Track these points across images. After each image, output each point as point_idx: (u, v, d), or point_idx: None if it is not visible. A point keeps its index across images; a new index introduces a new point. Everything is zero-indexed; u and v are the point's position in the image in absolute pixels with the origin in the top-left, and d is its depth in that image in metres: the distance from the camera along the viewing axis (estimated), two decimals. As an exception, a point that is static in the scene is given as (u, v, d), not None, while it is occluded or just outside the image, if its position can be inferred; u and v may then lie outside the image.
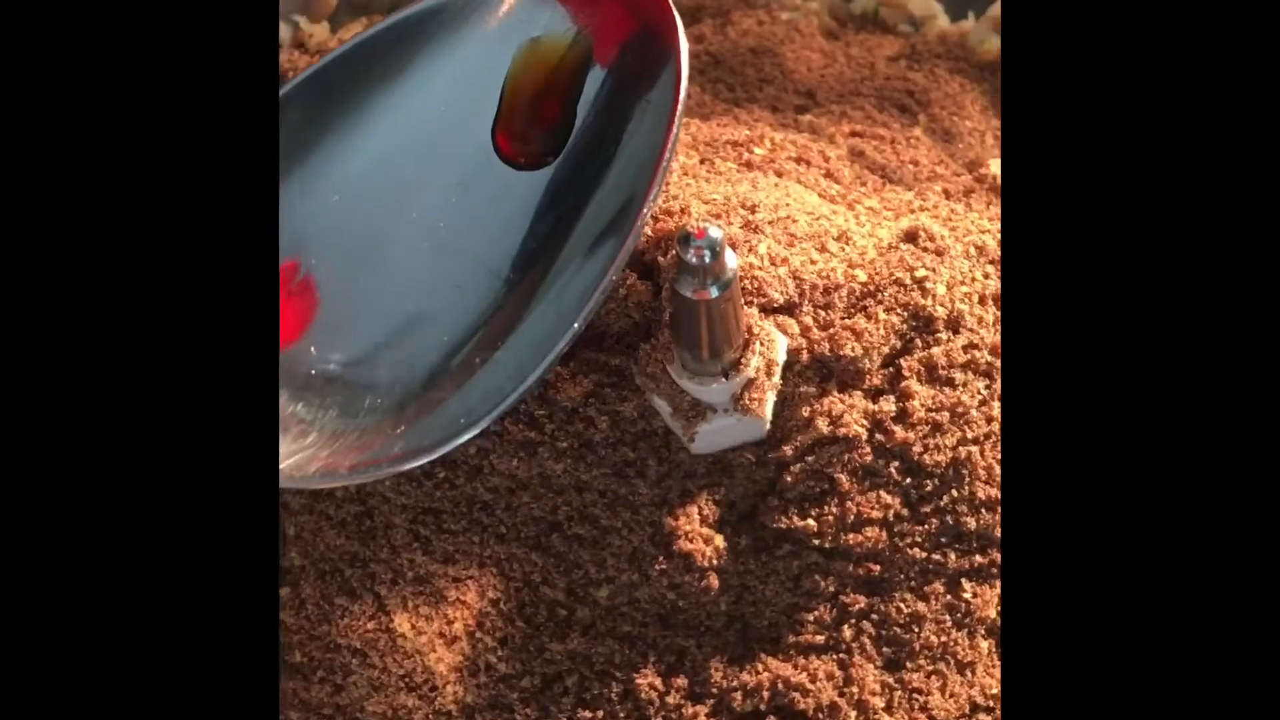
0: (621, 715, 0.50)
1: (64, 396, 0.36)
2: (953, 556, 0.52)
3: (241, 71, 0.39)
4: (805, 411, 0.51)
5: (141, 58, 0.39)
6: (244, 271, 0.38)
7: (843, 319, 0.51)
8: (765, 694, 0.50)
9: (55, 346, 0.36)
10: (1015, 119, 0.40)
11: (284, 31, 0.66)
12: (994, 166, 0.60)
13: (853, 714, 0.51)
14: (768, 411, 0.49)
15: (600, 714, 0.50)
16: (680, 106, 0.47)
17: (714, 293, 0.42)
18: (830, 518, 0.50)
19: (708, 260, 0.40)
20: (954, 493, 0.51)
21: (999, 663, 0.52)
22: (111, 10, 0.39)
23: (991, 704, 0.52)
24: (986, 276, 0.53)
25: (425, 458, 0.48)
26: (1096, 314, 0.39)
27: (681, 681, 0.51)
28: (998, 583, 0.52)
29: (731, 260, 0.41)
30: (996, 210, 0.58)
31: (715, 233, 0.40)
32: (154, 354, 0.37)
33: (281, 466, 0.47)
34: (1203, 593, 0.38)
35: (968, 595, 0.52)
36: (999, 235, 0.54)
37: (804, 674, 0.51)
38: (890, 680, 0.51)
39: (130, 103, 0.38)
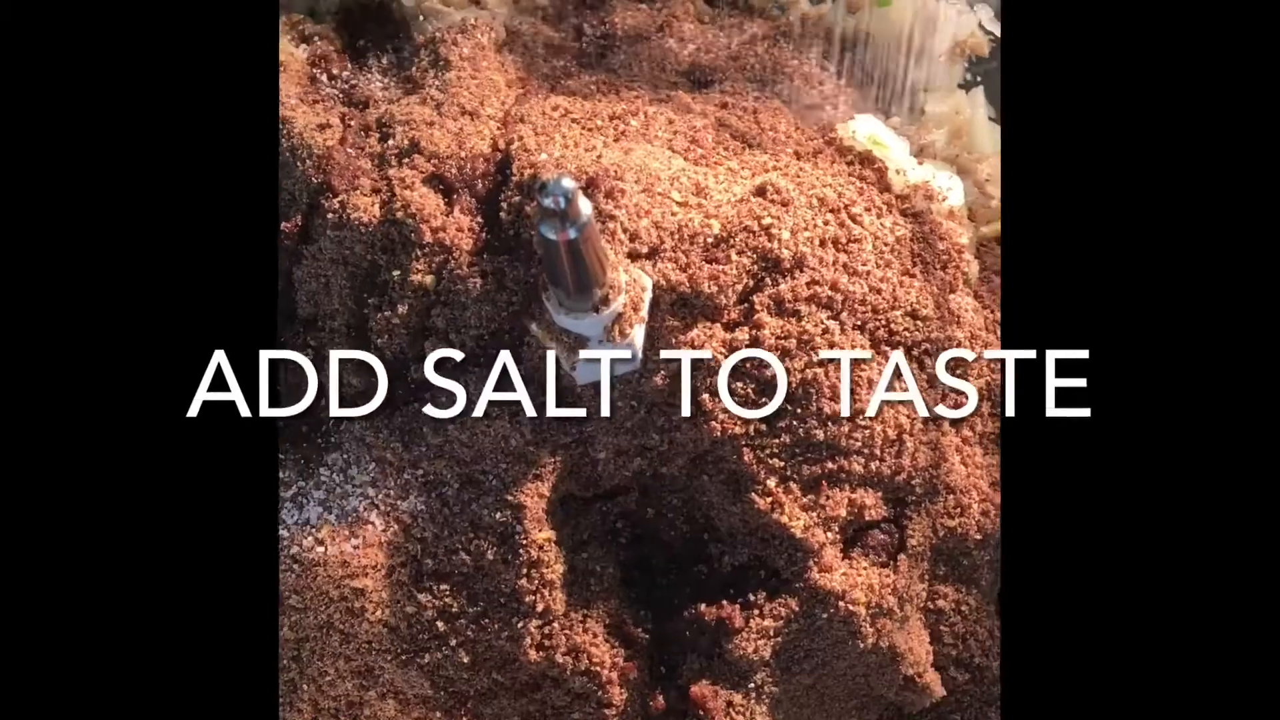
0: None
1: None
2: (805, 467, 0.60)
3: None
4: (672, 343, 0.59)
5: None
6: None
7: (701, 262, 0.59)
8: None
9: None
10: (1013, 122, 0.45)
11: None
12: (841, 130, 0.68)
13: None
14: (638, 341, 0.57)
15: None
16: None
17: (572, 234, 0.49)
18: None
19: (563, 205, 0.48)
20: (801, 409, 0.59)
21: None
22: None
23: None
24: (826, 224, 0.62)
25: None
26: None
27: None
28: (846, 486, 0.61)
29: (585, 205, 0.49)
30: (841, 167, 0.66)
31: (567, 182, 0.47)
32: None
33: None
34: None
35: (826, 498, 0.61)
36: (839, 188, 0.63)
37: None
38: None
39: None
